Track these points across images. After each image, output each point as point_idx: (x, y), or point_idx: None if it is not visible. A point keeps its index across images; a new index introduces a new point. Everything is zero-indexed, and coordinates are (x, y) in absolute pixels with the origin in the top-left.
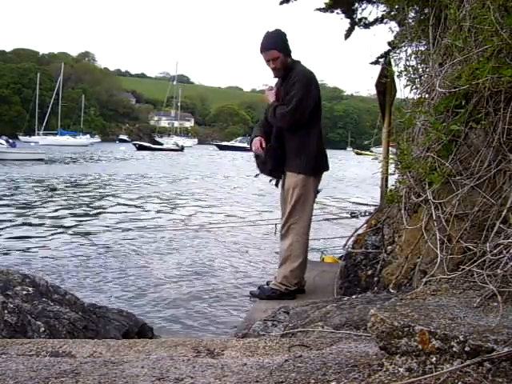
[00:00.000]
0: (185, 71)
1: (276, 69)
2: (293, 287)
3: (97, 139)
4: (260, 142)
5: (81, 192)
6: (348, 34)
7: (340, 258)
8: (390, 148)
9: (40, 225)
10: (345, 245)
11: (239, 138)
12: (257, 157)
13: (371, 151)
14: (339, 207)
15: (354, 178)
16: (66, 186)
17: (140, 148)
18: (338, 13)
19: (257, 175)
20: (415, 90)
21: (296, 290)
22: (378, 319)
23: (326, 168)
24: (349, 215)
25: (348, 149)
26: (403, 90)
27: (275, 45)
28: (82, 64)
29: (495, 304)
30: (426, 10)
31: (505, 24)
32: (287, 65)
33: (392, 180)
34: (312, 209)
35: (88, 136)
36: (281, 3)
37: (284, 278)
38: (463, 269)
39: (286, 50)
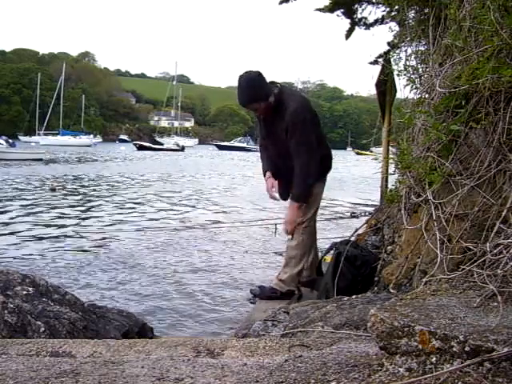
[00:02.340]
0: (185, 71)
1: (262, 113)
2: (286, 288)
3: (99, 139)
4: (271, 185)
5: (81, 192)
6: (348, 35)
7: None
8: (390, 148)
9: (40, 225)
10: None
11: (239, 138)
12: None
13: (371, 151)
14: (339, 207)
15: (355, 178)
16: (67, 186)
17: (140, 148)
18: (338, 15)
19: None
20: (415, 90)
21: (289, 292)
22: (377, 319)
23: (330, 168)
24: (349, 215)
25: (348, 149)
26: (403, 90)
27: (252, 99)
28: (82, 64)
29: (495, 304)
30: (426, 10)
31: (505, 24)
32: (271, 105)
33: (392, 180)
34: (317, 210)
35: (91, 136)
36: (280, 3)
37: (288, 278)
38: (463, 269)
39: (264, 95)
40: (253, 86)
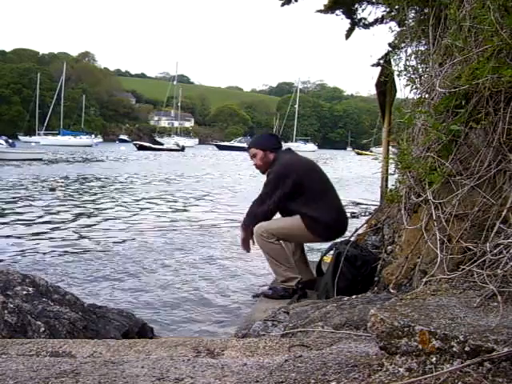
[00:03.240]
0: (185, 71)
1: (257, 165)
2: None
3: (99, 139)
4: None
5: (81, 192)
6: (348, 35)
7: None
8: (390, 148)
9: (40, 225)
10: None
11: (238, 138)
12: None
13: (371, 151)
14: None
15: (355, 178)
16: (67, 186)
17: (140, 148)
18: (337, 14)
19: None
20: (415, 90)
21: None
22: (377, 319)
23: (329, 235)
24: (349, 215)
25: (348, 149)
26: (403, 90)
27: (254, 144)
28: (82, 64)
29: (495, 304)
30: (426, 10)
31: (505, 24)
32: (268, 160)
33: (392, 180)
34: (287, 241)
35: (92, 136)
36: (282, 5)
37: (287, 279)
38: (463, 269)
39: (265, 147)
40: (260, 136)
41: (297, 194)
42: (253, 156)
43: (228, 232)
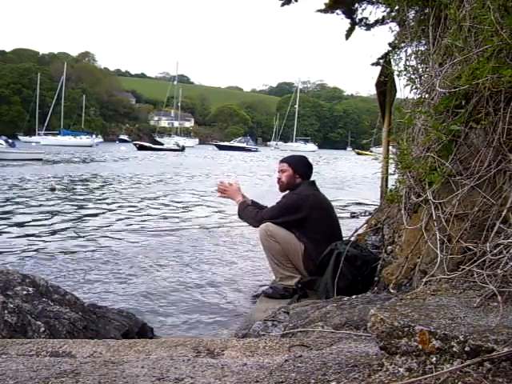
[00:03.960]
0: (185, 71)
1: (280, 180)
2: (293, 284)
3: (100, 139)
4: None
5: (81, 192)
6: (348, 34)
7: None
8: (390, 148)
9: (40, 225)
10: None
11: (238, 138)
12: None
13: (371, 151)
14: (339, 207)
15: (355, 178)
16: (67, 186)
17: (141, 148)
18: (337, 13)
19: None
20: (415, 90)
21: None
22: (377, 319)
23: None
24: (349, 215)
25: (348, 149)
26: (403, 90)
27: (289, 161)
28: (82, 64)
29: (495, 304)
30: (426, 10)
31: (505, 24)
32: (292, 182)
33: (392, 180)
34: (283, 248)
35: (93, 136)
36: (282, 5)
37: (286, 279)
38: (463, 269)
39: (297, 170)
40: (298, 157)
41: (300, 226)
42: (281, 171)
43: (229, 232)
